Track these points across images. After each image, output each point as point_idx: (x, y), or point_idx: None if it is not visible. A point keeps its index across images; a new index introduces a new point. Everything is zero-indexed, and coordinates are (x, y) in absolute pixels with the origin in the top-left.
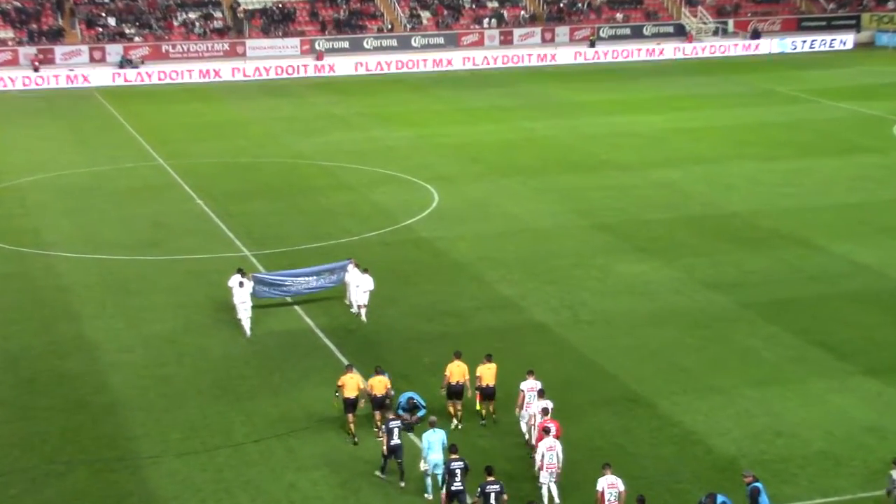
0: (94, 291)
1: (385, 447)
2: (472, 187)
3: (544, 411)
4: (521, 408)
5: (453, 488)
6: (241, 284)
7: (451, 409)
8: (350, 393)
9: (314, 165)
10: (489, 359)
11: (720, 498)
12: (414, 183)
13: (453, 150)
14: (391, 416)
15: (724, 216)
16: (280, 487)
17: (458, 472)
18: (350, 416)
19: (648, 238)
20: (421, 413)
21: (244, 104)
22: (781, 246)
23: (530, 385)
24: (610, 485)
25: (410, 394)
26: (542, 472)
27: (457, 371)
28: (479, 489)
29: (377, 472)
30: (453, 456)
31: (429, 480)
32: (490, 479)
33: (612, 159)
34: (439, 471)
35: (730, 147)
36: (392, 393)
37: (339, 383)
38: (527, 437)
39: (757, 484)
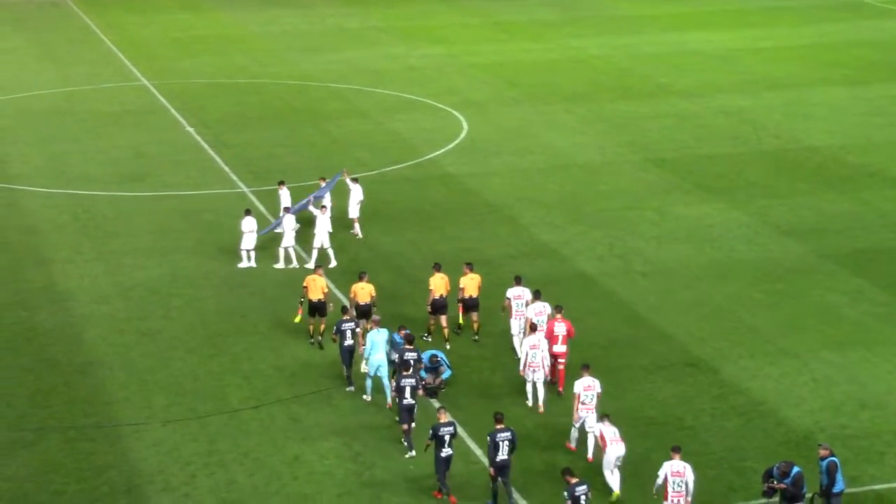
0: (66, 233)
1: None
2: (507, 115)
3: (548, 313)
4: (510, 315)
5: (403, 383)
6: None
7: (433, 324)
8: (314, 295)
9: (323, 88)
10: (471, 268)
11: (796, 468)
12: (439, 109)
13: (486, 72)
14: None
15: (801, 151)
16: (282, 460)
17: (411, 361)
18: (312, 318)
19: (713, 176)
20: (446, 375)
21: (241, 15)
22: (869, 186)
23: (517, 293)
24: (587, 387)
25: (433, 351)
26: (526, 369)
27: (440, 284)
28: (393, 384)
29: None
30: (408, 346)
31: (369, 382)
32: (406, 373)
33: (672, 83)
34: (382, 372)
35: (810, 69)
36: (376, 303)
37: (304, 284)
38: (518, 349)
39: (835, 458)
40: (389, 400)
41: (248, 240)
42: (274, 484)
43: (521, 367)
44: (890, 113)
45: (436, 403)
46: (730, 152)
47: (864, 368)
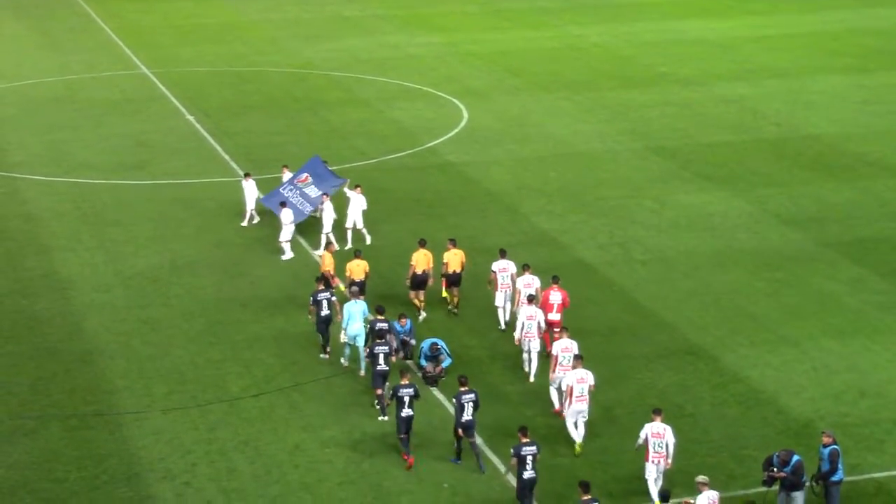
0: (66, 221)
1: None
2: (507, 104)
3: (537, 286)
4: (495, 287)
5: (377, 350)
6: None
7: (416, 300)
8: (324, 268)
9: (323, 76)
10: (454, 244)
11: (796, 457)
12: (440, 98)
13: (486, 60)
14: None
15: (802, 139)
16: (283, 449)
17: (385, 330)
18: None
19: (714, 164)
20: (446, 363)
21: (241, 3)
22: (870, 175)
23: (502, 266)
24: (564, 349)
25: (434, 339)
26: (523, 339)
27: (422, 260)
28: (367, 350)
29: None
30: (380, 317)
31: (347, 350)
32: (379, 341)
33: (673, 72)
34: (360, 342)
35: (811, 57)
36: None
37: (320, 255)
38: (502, 326)
39: (837, 446)
40: (363, 370)
41: (288, 232)
42: (274, 472)
43: (518, 336)
44: (891, 101)
45: (435, 390)
46: (730, 140)
47: (864, 357)
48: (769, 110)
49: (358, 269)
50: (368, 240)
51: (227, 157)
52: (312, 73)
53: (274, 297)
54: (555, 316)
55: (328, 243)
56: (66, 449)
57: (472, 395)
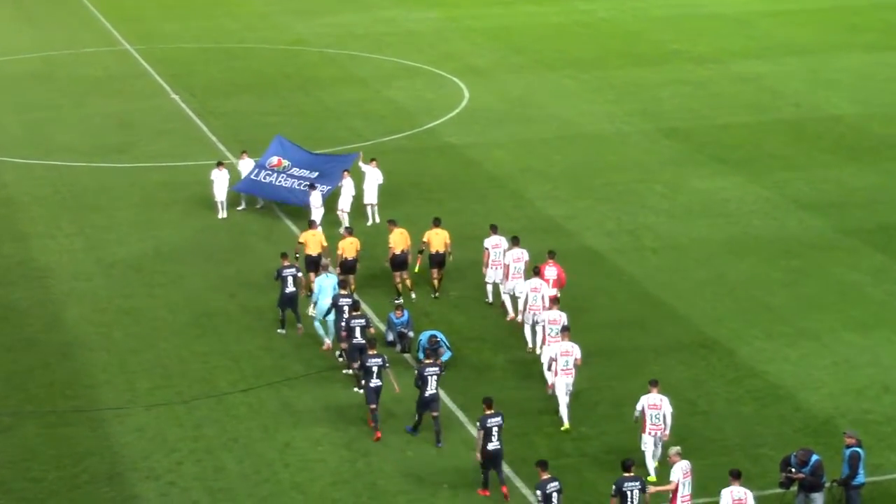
0: (45, 206)
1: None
2: (511, 82)
3: (526, 259)
4: (487, 266)
5: (353, 324)
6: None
7: (398, 282)
8: (312, 250)
9: (317, 53)
10: (438, 223)
11: (815, 456)
12: (439, 76)
13: (489, 37)
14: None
15: (823, 120)
16: (273, 447)
17: (345, 308)
18: (312, 275)
19: (729, 147)
20: (446, 356)
21: None
22: (894, 158)
23: (494, 242)
24: (552, 321)
25: (432, 332)
26: (525, 313)
27: (399, 240)
28: (343, 328)
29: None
30: (342, 291)
31: (318, 325)
32: (356, 313)
33: (686, 49)
34: (331, 316)
35: (832, 33)
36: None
37: (301, 240)
38: (489, 298)
39: (858, 449)
40: (329, 342)
41: (318, 215)
42: (264, 471)
43: (521, 310)
44: None
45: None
46: (746, 122)
47: (887, 350)
48: (788, 90)
49: (350, 247)
50: (367, 224)
51: (214, 138)
52: (305, 49)
53: (263, 285)
54: (550, 291)
55: (311, 222)
56: (44, 447)
57: (436, 369)
